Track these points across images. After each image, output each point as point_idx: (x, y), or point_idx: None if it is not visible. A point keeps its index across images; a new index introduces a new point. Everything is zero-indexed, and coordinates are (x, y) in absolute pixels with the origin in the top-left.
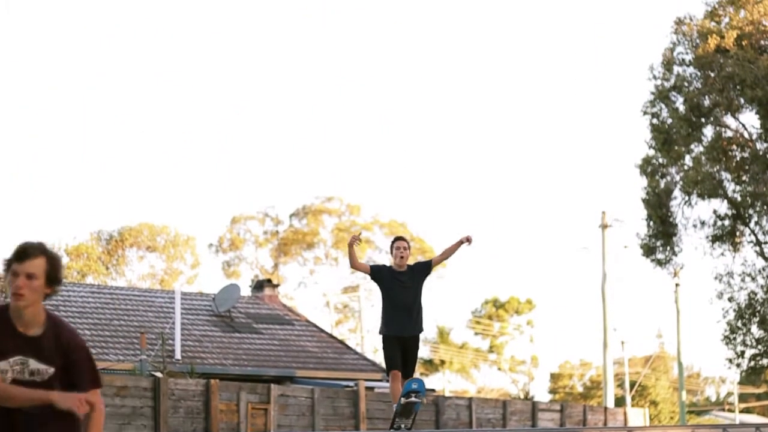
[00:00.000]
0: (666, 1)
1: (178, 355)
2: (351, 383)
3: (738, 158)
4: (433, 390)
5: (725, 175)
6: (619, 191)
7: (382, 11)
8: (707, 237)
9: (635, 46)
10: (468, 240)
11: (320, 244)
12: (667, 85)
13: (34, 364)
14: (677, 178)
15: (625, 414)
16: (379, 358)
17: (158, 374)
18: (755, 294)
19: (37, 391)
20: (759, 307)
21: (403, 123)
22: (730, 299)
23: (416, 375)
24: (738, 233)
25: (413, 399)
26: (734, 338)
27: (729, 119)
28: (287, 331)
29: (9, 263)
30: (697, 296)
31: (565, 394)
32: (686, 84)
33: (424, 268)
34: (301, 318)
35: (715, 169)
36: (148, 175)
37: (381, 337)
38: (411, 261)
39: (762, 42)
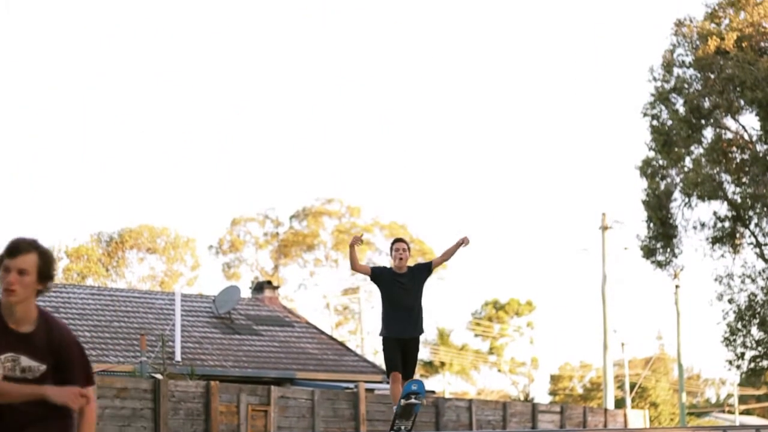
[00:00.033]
0: (666, 3)
1: (178, 357)
2: (351, 385)
3: (738, 160)
4: (433, 392)
5: (725, 177)
6: (619, 193)
7: (382, 11)
8: (707, 239)
9: (635, 47)
10: (465, 242)
11: (320, 246)
12: (667, 86)
13: (25, 361)
14: (677, 179)
15: (625, 416)
16: (379, 360)
17: (158, 376)
18: (755, 296)
19: (30, 387)
20: (759, 309)
21: (404, 124)
22: (730, 301)
23: (416, 377)
24: (738, 235)
25: (413, 401)
26: (734, 340)
27: (729, 121)
28: (287, 333)
29: (0, 259)
30: (697, 298)
31: (565, 396)
32: (686, 86)
33: (424, 270)
34: (301, 320)
35: (715, 171)
36: (149, 177)
37: (381, 338)
38: (411, 263)
39: (762, 44)
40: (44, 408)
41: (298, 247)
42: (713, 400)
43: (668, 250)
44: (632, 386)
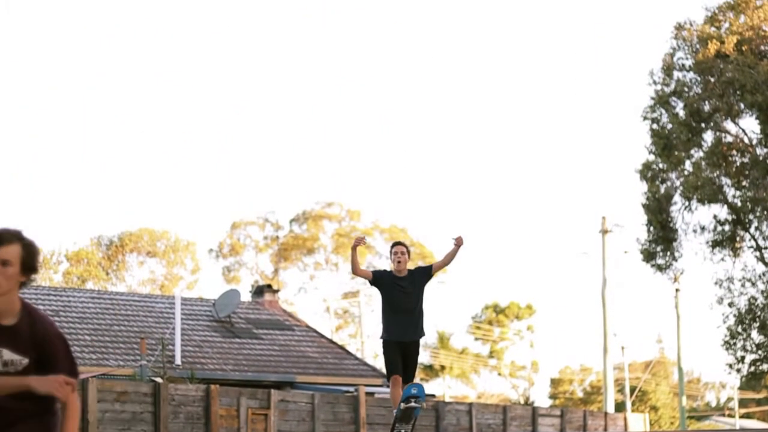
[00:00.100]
0: (666, 7)
1: (178, 361)
2: (351, 388)
3: (738, 163)
4: (433, 395)
5: (725, 181)
6: (619, 196)
7: (382, 11)
8: (707, 242)
9: (635, 51)
10: (460, 242)
11: (320, 250)
12: (667, 90)
13: (7, 354)
14: (677, 183)
15: (625, 419)
16: (380, 364)
17: (158, 379)
18: (755, 299)
19: (14, 378)
20: (759, 313)
21: (404, 128)
22: (730, 304)
23: (416, 380)
24: (738, 238)
25: (413, 404)
26: (734, 343)
27: (729, 124)
28: (287, 337)
29: None
30: (697, 301)
31: (565, 400)
32: (686, 89)
33: (424, 274)
34: (301, 323)
35: (715, 175)
36: (149, 180)
37: (381, 341)
38: (411, 266)
39: (762, 47)
40: (30, 403)
41: (298, 250)
42: (713, 404)
43: (668, 253)
44: (632, 390)
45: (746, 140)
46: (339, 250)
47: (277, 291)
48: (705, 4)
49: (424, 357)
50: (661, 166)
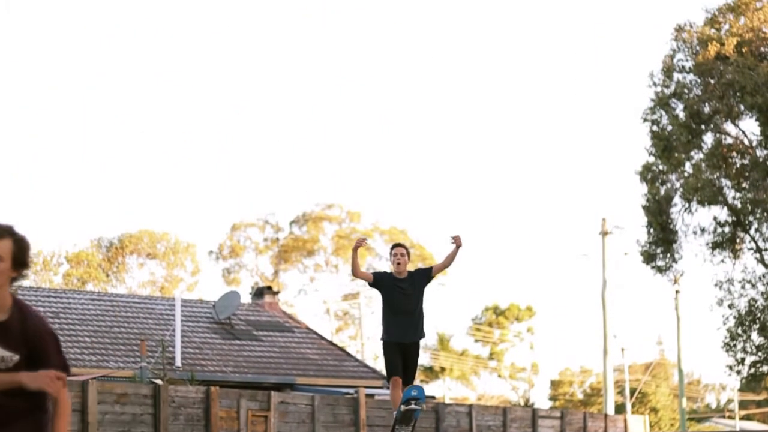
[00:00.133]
0: (666, 8)
1: (178, 363)
2: (351, 390)
3: (738, 165)
4: (433, 397)
5: (725, 182)
6: (619, 198)
7: (382, 12)
8: (707, 244)
9: (635, 53)
10: (458, 242)
11: (320, 252)
12: (667, 92)
13: None
14: (677, 185)
15: (625, 421)
16: (380, 365)
17: (158, 381)
18: (755, 301)
19: (4, 375)
20: (759, 314)
21: (404, 129)
22: (731, 306)
23: (416, 382)
24: (738, 240)
25: (413, 406)
26: (734, 345)
27: (729, 126)
28: (287, 339)
29: None
30: (697, 303)
31: (565, 401)
32: (686, 91)
33: (424, 275)
34: (301, 325)
35: (715, 176)
36: (149, 182)
37: (381, 343)
38: (411, 268)
39: (762, 49)
40: (21, 400)
41: (298, 252)
42: (713, 406)
43: (668, 255)
44: (632, 391)
45: (746, 142)
46: (339, 252)
47: (277, 293)
48: (705, 6)
49: (424, 359)
50: (661, 167)
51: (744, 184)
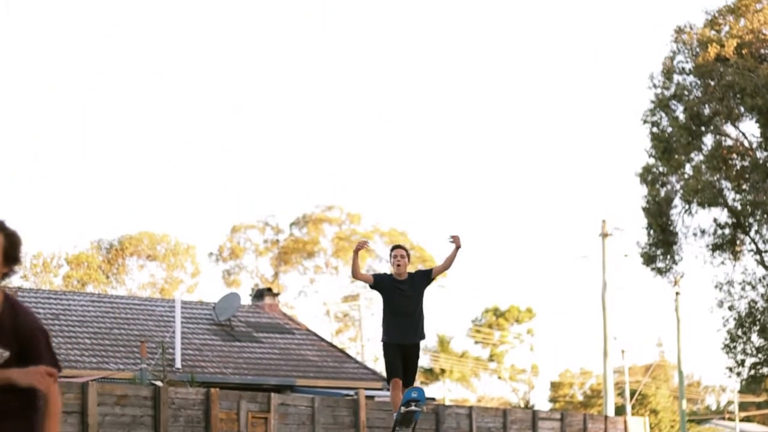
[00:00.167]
0: (666, 10)
1: (178, 364)
2: (351, 392)
3: (738, 167)
4: (434, 399)
5: (725, 184)
6: (619, 200)
7: (382, 12)
8: (707, 246)
9: (635, 54)
10: (457, 242)
11: (320, 253)
12: (667, 93)
13: None
14: (677, 186)
15: (625, 423)
16: (380, 367)
17: (158, 383)
18: (755, 302)
19: None
20: (759, 316)
21: (404, 131)
22: (731, 308)
23: (416, 384)
24: (738, 242)
25: (413, 408)
26: (734, 347)
27: (729, 128)
28: (287, 340)
29: None
30: (697, 305)
31: (565, 403)
32: (686, 93)
33: (424, 277)
34: (301, 327)
35: (715, 178)
36: (149, 184)
37: (382, 344)
38: (411, 269)
39: (762, 51)
40: (12, 396)
41: (298, 254)
42: (713, 407)
43: (668, 257)
44: (632, 393)
45: (746, 144)
46: (339, 254)
47: (277, 294)
48: (705, 8)
49: (424, 360)
50: (661, 169)
51: (744, 186)
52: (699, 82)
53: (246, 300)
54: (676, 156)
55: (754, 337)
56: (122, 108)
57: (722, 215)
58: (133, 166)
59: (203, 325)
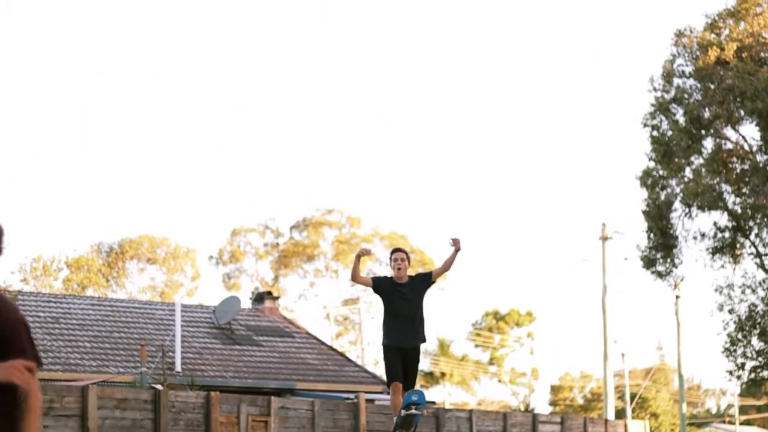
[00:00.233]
0: (666, 13)
1: (178, 368)
2: (351, 395)
3: (738, 170)
4: (434, 402)
5: (725, 187)
6: (619, 203)
7: (382, 13)
8: (707, 249)
9: (635, 58)
10: (457, 245)
11: (320, 257)
12: (667, 97)
13: None
14: (677, 190)
15: (625, 426)
16: (380, 371)
17: (158, 386)
18: (755, 306)
19: None
20: (759, 319)
21: (404, 134)
22: (731, 311)
23: (416, 387)
24: (738, 245)
25: (413, 411)
26: (735, 350)
27: (729, 131)
28: (287, 344)
29: None
30: (697, 308)
31: (565, 407)
32: (686, 96)
33: (425, 280)
34: (301, 330)
35: (715, 181)
36: (149, 187)
37: (382, 347)
38: (411, 273)
39: (762, 54)
40: None
41: (299, 257)
42: (714, 411)
43: (668, 260)
44: (633, 397)
45: (746, 147)
46: (339, 257)
47: (277, 298)
48: (705, 11)
49: (424, 364)
50: (661, 172)
51: (744, 190)
52: (699, 85)
53: (246, 303)
54: (676, 159)
55: (755, 341)
56: (122, 108)
57: (722, 219)
58: (133, 169)
59: (203, 329)
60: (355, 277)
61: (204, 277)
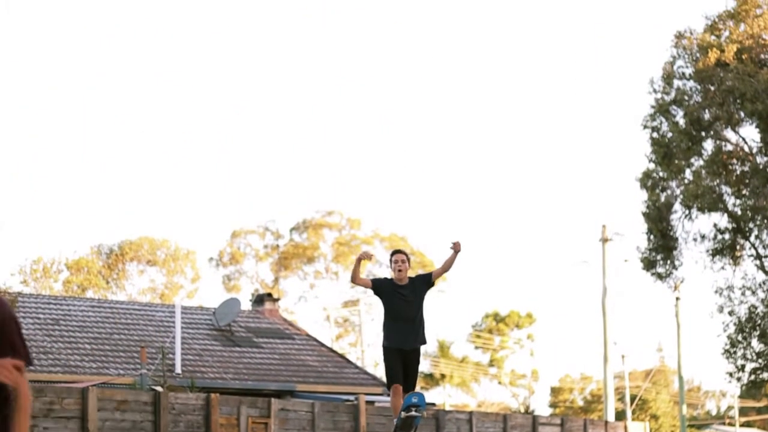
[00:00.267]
0: (666, 15)
1: (178, 369)
2: (351, 397)
3: (738, 172)
4: (434, 404)
5: (725, 189)
6: (619, 205)
7: (382, 13)
8: (707, 251)
9: (635, 59)
10: (458, 248)
11: (320, 258)
12: (667, 98)
13: None
14: (677, 191)
15: (625, 428)
16: (380, 372)
17: (158, 388)
18: (755, 308)
19: None
20: (759, 321)
21: (404, 136)
22: (731, 313)
23: (417, 389)
24: (738, 247)
25: (413, 413)
26: (735, 352)
27: (729, 133)
28: (287, 345)
29: None
30: (697, 310)
31: (565, 408)
32: (686, 98)
33: (425, 281)
34: (301, 332)
35: (715, 183)
36: (149, 189)
37: (382, 349)
38: (411, 274)
39: (762, 56)
40: None
41: (299, 259)
42: (714, 413)
43: (668, 262)
44: (633, 398)
45: (746, 149)
46: (339, 259)
47: (277, 300)
48: (705, 13)
49: (424, 366)
50: (661, 174)
51: (744, 191)
52: (699, 87)
53: (246, 305)
54: (676, 161)
55: (755, 342)
56: (122, 108)
57: (722, 220)
58: (133, 170)
59: (203, 331)
60: (355, 279)
61: (204, 278)
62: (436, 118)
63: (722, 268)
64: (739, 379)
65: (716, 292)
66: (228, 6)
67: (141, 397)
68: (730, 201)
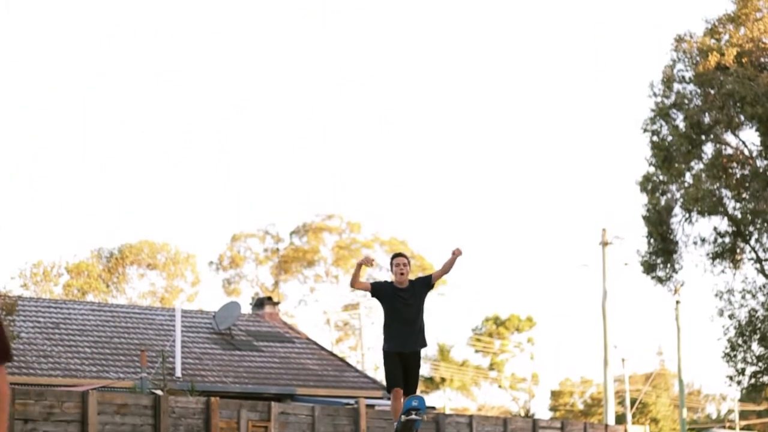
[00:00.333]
0: (666, 19)
1: (178, 373)
2: (351, 401)
3: (738, 175)
4: (434, 407)
5: (725, 193)
6: (619, 208)
7: (382, 14)
8: (708, 254)
9: (635, 63)
10: (458, 252)
11: (321, 262)
12: (667, 102)
13: None
14: (677, 195)
15: (625, 431)
16: (380, 376)
17: (159, 392)
18: (756, 311)
19: None
20: (759, 325)
21: (404, 139)
22: (731, 316)
23: (417, 392)
24: (738, 250)
25: (414, 417)
26: (735, 355)
27: (729, 136)
28: (288, 349)
29: None
30: (697, 313)
31: (565, 412)
32: (686, 101)
33: (425, 284)
34: (301, 336)
35: (715, 187)
36: (149, 192)
37: (382, 352)
38: (411, 277)
39: (762, 59)
40: None
41: (299, 263)
42: (714, 416)
43: (668, 265)
44: (633, 402)
45: (746, 152)
46: (339, 263)
47: (277, 303)
48: (705, 16)
49: (424, 369)
50: (661, 178)
51: (744, 195)
52: (699, 90)
53: (246, 309)
54: (676, 164)
55: (755, 346)
56: (122, 109)
57: (722, 224)
58: (134, 173)
59: (203, 334)
60: (354, 283)
61: (204, 282)
62: (437, 121)
63: (722, 271)
64: (739, 382)
65: (716, 295)
66: (228, 6)
67: (141, 401)
68: (730, 204)
